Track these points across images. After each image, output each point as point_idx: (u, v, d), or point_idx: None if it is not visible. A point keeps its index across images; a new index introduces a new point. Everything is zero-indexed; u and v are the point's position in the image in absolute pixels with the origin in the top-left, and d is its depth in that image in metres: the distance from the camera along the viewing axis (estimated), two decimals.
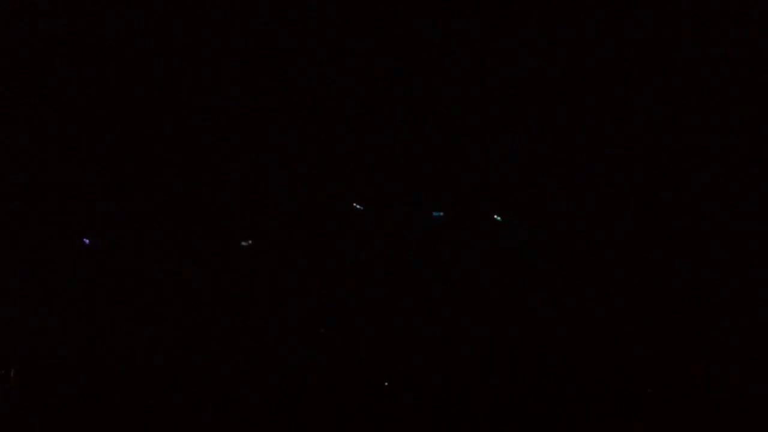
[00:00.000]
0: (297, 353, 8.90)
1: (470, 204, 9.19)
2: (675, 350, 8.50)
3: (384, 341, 8.88)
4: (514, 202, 9.12)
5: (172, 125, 9.36)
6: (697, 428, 8.20)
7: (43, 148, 9.24)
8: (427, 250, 9.13)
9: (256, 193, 9.37)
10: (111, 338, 8.94)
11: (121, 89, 9.34)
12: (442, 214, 9.06)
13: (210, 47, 9.36)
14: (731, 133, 8.88)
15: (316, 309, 9.05)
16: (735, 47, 8.90)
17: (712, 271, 8.64)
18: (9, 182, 9.21)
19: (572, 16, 9.10)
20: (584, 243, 8.92)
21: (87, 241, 9.11)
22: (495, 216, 8.95)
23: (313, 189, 9.34)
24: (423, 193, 9.26)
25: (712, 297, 8.57)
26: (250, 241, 9.15)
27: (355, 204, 9.05)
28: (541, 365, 8.63)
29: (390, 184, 9.31)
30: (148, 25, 9.30)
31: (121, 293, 9.09)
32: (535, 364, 8.64)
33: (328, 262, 9.21)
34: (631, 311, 8.68)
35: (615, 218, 8.91)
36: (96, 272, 9.14)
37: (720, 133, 8.88)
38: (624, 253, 8.84)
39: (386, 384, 8.71)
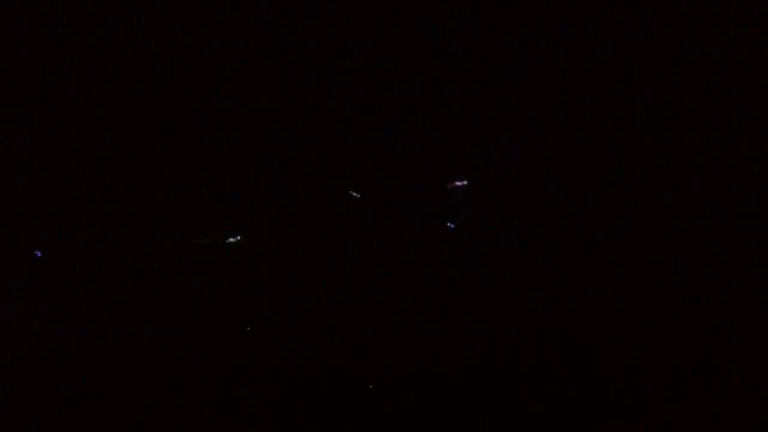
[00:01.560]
0: (297, 353, 8.89)
1: (469, 203, 9.19)
2: (675, 350, 8.48)
3: (383, 341, 8.87)
4: (513, 203, 9.12)
5: (172, 124, 9.36)
6: (697, 428, 8.18)
7: (43, 148, 9.24)
8: (426, 249, 9.14)
9: (255, 193, 9.37)
10: (110, 338, 8.95)
11: (120, 89, 9.33)
12: (466, 182, 8.98)
13: (210, 47, 9.36)
14: (731, 133, 8.87)
15: (315, 308, 9.04)
16: (735, 47, 8.89)
17: (712, 271, 8.62)
18: (9, 182, 9.20)
19: (572, 16, 9.10)
20: (584, 243, 8.90)
21: (38, 253, 9.08)
22: (449, 224, 8.96)
23: (311, 187, 9.35)
24: (421, 193, 9.27)
25: (712, 297, 8.55)
26: (238, 237, 9.10)
27: (352, 192, 9.01)
28: (540, 365, 8.61)
29: (389, 184, 9.31)
30: (148, 25, 9.30)
31: (120, 292, 9.11)
32: (535, 364, 8.62)
33: (328, 261, 9.22)
34: (631, 311, 8.66)
35: (615, 218, 8.90)
36: (95, 271, 9.15)
37: (720, 133, 8.88)
38: (624, 253, 8.82)
39: (382, 385, 8.70)
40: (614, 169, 8.99)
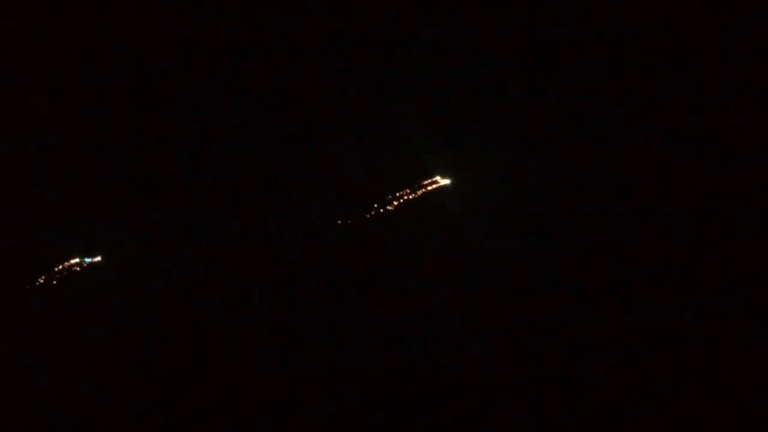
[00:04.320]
0: (297, 354, 8.88)
1: (468, 203, 9.22)
2: (675, 350, 8.42)
3: (382, 341, 8.85)
4: (513, 202, 9.12)
5: (171, 125, 9.38)
6: (697, 428, 8.13)
7: (44, 148, 9.27)
8: (425, 249, 9.14)
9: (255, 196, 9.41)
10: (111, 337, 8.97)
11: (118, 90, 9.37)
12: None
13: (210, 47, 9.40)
14: (731, 133, 8.85)
15: (314, 310, 9.04)
16: (735, 47, 8.90)
17: (712, 271, 8.59)
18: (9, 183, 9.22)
19: (572, 17, 9.13)
20: (585, 243, 8.87)
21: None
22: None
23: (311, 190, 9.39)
24: (421, 192, 9.30)
25: (713, 296, 8.51)
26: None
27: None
28: (540, 366, 8.57)
29: (389, 184, 9.34)
30: (148, 25, 9.33)
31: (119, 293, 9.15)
32: (534, 364, 8.59)
33: (329, 262, 9.25)
34: (631, 311, 8.62)
35: (615, 218, 8.88)
36: (95, 273, 9.19)
37: (720, 133, 8.86)
38: (624, 253, 8.79)
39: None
40: (614, 169, 8.98)
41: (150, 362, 8.75)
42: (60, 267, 8.92)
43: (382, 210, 9.17)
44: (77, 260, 8.92)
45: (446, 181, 9.20)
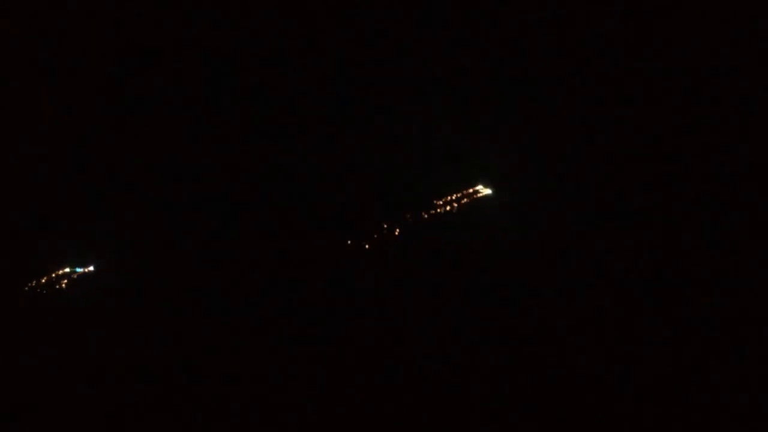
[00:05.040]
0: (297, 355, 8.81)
1: (510, 212, 9.25)
2: (675, 351, 8.29)
3: (382, 341, 8.80)
4: (554, 211, 9.10)
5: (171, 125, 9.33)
6: (697, 428, 7.95)
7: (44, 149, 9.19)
8: (467, 257, 9.14)
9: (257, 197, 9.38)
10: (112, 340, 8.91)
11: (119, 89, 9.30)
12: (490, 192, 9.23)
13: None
14: (731, 134, 8.80)
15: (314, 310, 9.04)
16: (735, 48, 8.83)
17: (712, 271, 8.53)
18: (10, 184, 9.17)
19: (571, 17, 9.12)
20: (624, 252, 8.83)
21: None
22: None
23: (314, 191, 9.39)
24: (423, 192, 9.38)
25: (712, 296, 8.42)
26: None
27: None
28: (540, 365, 8.48)
29: (431, 192, 9.37)
30: (147, 25, 9.25)
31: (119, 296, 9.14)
32: (534, 363, 8.50)
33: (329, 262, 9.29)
34: (631, 311, 8.56)
35: (657, 226, 8.85)
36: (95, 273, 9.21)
37: (720, 133, 8.83)
38: (625, 253, 8.78)
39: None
40: (614, 168, 9.02)
41: (141, 370, 8.74)
42: (52, 276, 9.01)
43: (425, 217, 9.34)
44: (68, 270, 9.03)
45: (488, 191, 9.34)
